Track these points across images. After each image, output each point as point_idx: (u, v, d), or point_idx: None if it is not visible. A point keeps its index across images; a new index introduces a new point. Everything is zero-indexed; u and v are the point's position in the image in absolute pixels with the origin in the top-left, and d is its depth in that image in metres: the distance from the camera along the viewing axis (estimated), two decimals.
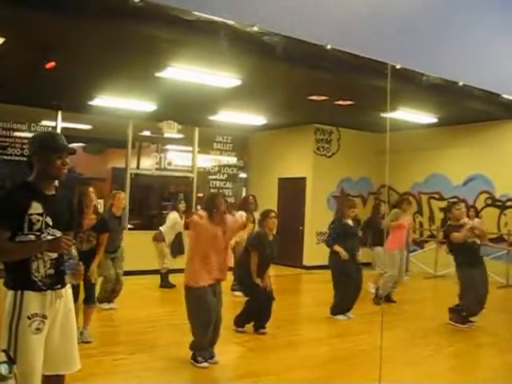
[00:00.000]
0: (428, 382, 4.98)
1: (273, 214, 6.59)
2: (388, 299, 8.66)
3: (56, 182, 3.23)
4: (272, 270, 12.35)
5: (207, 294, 5.10)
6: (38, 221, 2.98)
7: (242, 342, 6.13)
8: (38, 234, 2.98)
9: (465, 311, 7.06)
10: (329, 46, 4.85)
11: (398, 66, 4.71)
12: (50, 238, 3.00)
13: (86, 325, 5.86)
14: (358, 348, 6.08)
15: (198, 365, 5.08)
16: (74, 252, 3.07)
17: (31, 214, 2.96)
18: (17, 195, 2.99)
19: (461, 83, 6.59)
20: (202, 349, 5.16)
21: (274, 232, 6.70)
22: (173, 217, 9.70)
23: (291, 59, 6.36)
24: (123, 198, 7.73)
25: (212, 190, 13.17)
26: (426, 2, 4.92)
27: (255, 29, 5.11)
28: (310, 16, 3.16)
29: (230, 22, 5.23)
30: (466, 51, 4.01)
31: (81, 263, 3.12)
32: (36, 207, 2.98)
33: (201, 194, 13.21)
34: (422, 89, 7.79)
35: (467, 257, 6.94)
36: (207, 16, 5.13)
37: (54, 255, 3.04)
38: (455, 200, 7.77)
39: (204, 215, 5.24)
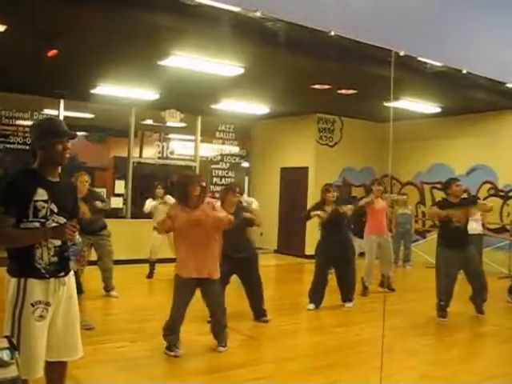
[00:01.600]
0: (428, 371, 4.99)
1: (237, 190, 6.43)
2: (388, 287, 8.60)
3: (59, 169, 3.23)
4: (274, 259, 12.50)
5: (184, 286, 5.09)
6: (43, 207, 2.98)
7: (242, 329, 6.14)
8: (42, 220, 2.98)
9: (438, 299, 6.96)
10: (332, 33, 4.81)
11: (401, 53, 4.69)
12: (54, 225, 3.01)
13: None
14: (359, 337, 6.09)
15: (171, 353, 5.06)
16: (78, 238, 3.08)
17: (36, 201, 2.96)
18: (22, 182, 2.99)
19: (464, 71, 6.55)
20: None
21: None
22: (148, 204, 9.54)
23: (294, 46, 6.32)
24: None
25: (214, 179, 13.17)
26: None
27: (258, 14, 5.08)
28: (314, 1, 3.15)
29: (233, 8, 5.19)
30: (470, 38, 3.99)
31: (85, 249, 3.13)
32: (41, 194, 2.98)
33: (203, 184, 13.16)
34: (425, 77, 7.74)
35: (446, 237, 6.87)
36: (209, 1, 5.10)
37: (58, 242, 3.04)
38: (454, 177, 7.67)
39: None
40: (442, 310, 6.88)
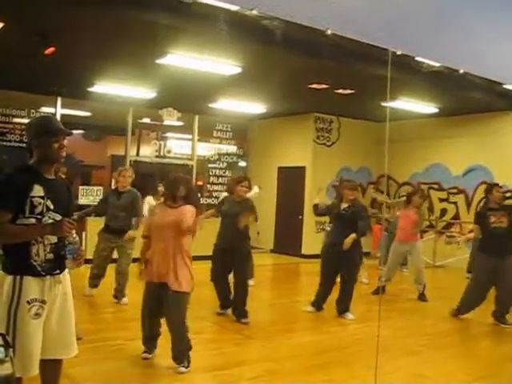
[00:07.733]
0: (423, 370, 5.00)
1: (245, 184, 6.57)
2: (421, 297, 8.30)
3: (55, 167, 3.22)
4: (270, 259, 12.49)
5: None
6: (40, 204, 2.98)
7: (239, 329, 6.14)
8: (39, 217, 2.99)
9: (460, 305, 7.02)
10: (329, 31, 4.83)
11: (398, 52, 4.70)
12: (50, 221, 3.01)
13: None
14: (355, 337, 6.10)
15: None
16: (76, 237, 3.06)
17: (33, 197, 2.97)
18: (19, 177, 3.00)
19: (462, 71, 6.56)
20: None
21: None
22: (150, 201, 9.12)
23: (291, 45, 6.32)
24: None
25: (211, 179, 13.16)
26: None
27: (254, 12, 5.08)
28: None
29: (230, 6, 5.20)
30: (468, 38, 3.98)
31: (82, 248, 3.12)
32: (38, 190, 2.98)
33: (200, 183, 13.18)
34: (422, 77, 7.75)
35: (486, 242, 6.79)
36: (206, 0, 5.10)
37: (54, 239, 3.04)
38: (496, 182, 7.68)
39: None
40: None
